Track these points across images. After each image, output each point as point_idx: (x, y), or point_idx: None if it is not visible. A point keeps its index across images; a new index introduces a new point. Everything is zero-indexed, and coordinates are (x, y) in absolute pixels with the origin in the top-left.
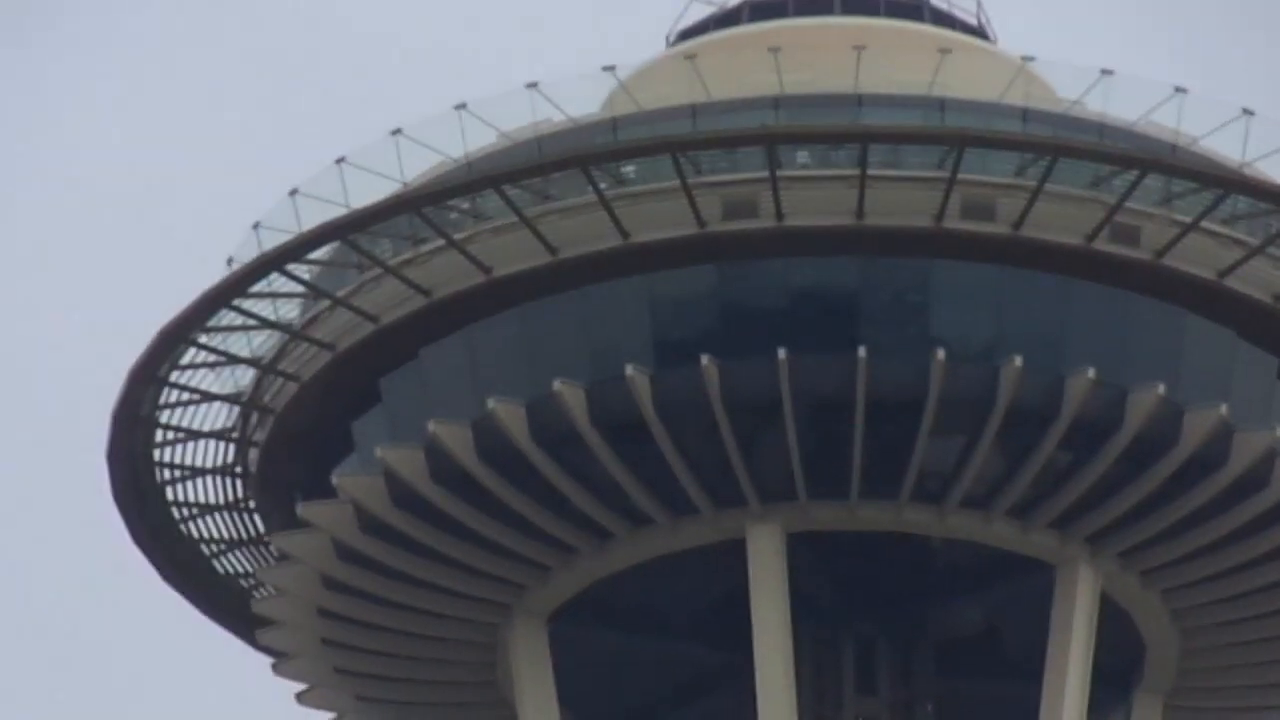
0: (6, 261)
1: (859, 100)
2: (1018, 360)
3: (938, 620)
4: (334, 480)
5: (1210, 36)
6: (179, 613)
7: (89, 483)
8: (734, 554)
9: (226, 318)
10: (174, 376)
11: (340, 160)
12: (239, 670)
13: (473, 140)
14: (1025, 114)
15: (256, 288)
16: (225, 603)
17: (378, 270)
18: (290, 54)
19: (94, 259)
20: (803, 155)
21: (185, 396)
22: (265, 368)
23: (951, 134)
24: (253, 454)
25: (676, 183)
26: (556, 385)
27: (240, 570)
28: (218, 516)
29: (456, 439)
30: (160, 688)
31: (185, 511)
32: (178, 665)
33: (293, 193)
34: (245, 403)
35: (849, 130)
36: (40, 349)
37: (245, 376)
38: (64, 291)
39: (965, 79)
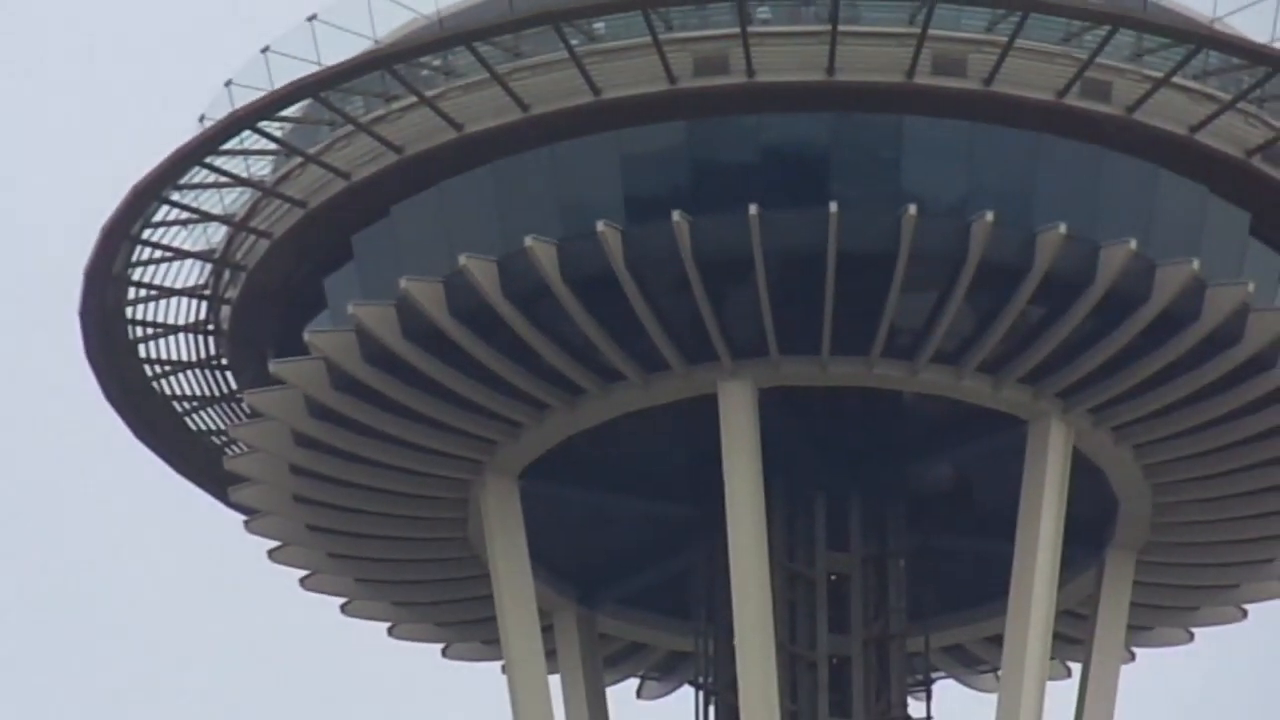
0: None
1: None
2: (989, 215)
3: (910, 476)
4: (306, 337)
5: None
6: (151, 470)
7: (61, 340)
8: (705, 410)
9: (199, 175)
10: (146, 234)
11: (311, 18)
12: (211, 528)
13: (441, 1)
14: None
15: (229, 145)
16: (197, 460)
17: (349, 127)
18: None
19: (63, 115)
20: (773, 10)
21: (157, 254)
22: (237, 225)
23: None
24: (225, 311)
25: (648, 39)
26: (528, 241)
27: (212, 428)
28: (190, 374)
29: (428, 295)
30: (132, 545)
31: (157, 369)
32: (150, 523)
33: (264, 50)
34: (217, 260)
35: None
36: (10, 205)
37: (217, 234)
38: (34, 148)
39: None
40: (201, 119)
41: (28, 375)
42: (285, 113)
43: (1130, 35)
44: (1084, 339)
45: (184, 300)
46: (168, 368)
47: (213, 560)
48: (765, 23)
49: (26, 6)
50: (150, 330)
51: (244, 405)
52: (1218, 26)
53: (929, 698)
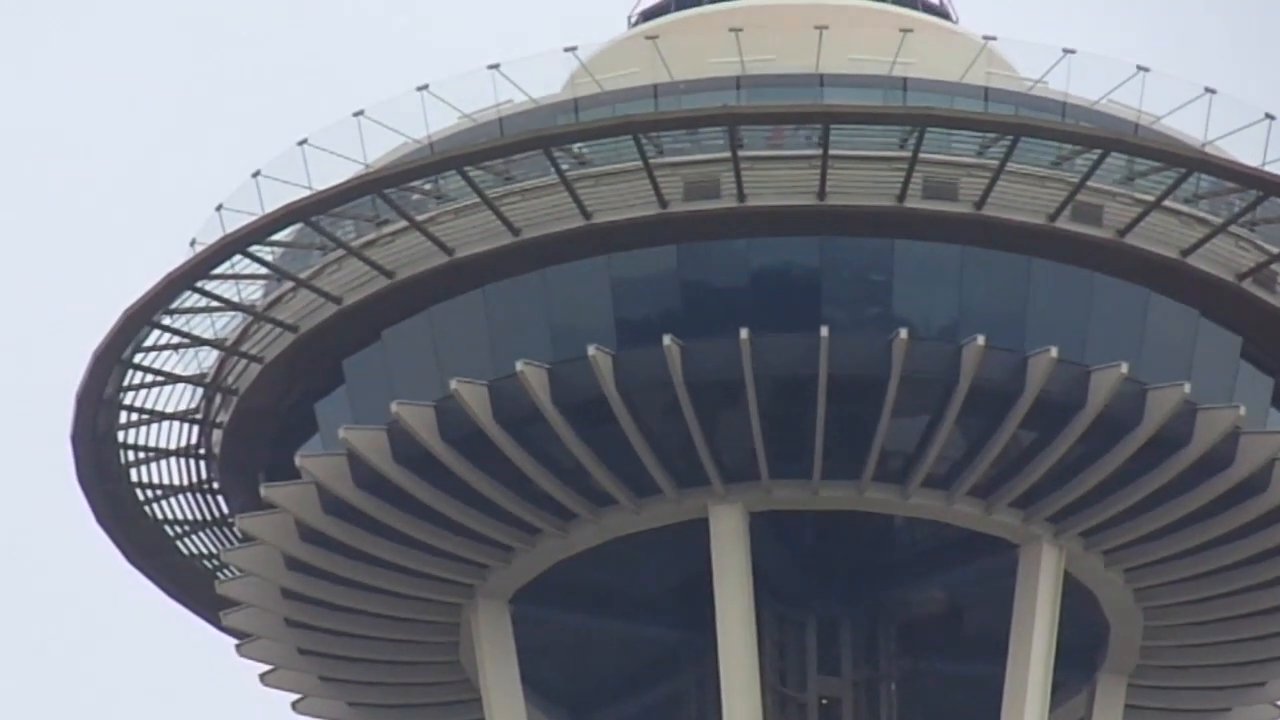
0: None
1: (821, 80)
2: (980, 339)
3: (901, 600)
4: (297, 461)
5: (1174, 15)
6: (144, 595)
7: (54, 465)
8: (697, 534)
9: (190, 299)
10: (137, 358)
11: (302, 142)
12: (204, 652)
13: (435, 122)
14: (987, 93)
15: (219, 269)
16: (190, 584)
17: (340, 252)
18: (251, 34)
19: (57, 241)
20: (763, 135)
21: (149, 378)
22: (228, 349)
23: (913, 114)
24: (216, 435)
25: (638, 163)
26: (519, 365)
27: (204, 552)
28: (182, 498)
29: (419, 420)
30: (125, 671)
31: (149, 493)
32: (143, 648)
33: (255, 174)
34: (208, 384)
35: (810, 110)
36: (2, 331)
37: (209, 358)
38: (27, 274)
39: (927, 59)
40: (193, 243)
41: (20, 499)
42: (276, 237)
43: (1122, 159)
44: (1075, 463)
45: (175, 424)
46: (159, 491)
47: (206, 684)
48: (756, 147)
49: (18, 123)
50: (142, 454)
51: (236, 529)
52: (1209, 150)
53: None
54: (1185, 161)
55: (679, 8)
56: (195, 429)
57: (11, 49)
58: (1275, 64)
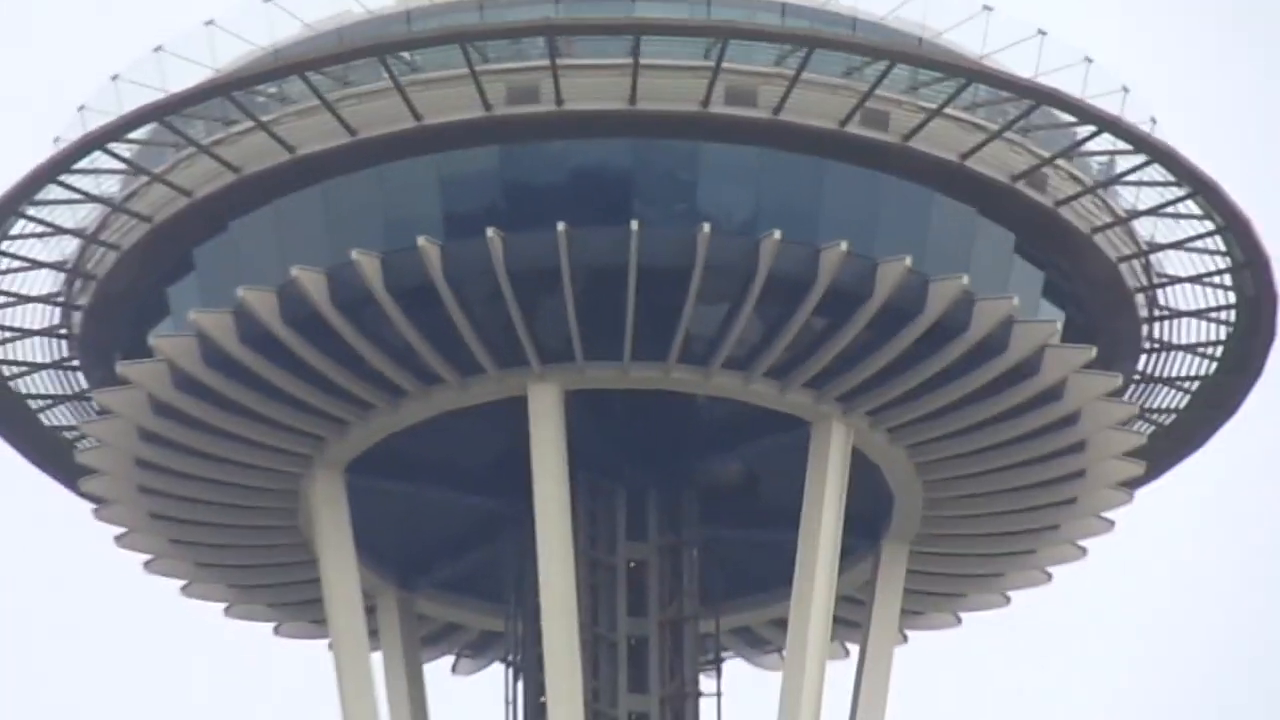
0: None
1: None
2: (777, 233)
3: (702, 472)
4: (150, 341)
5: None
6: (9, 463)
7: None
8: (516, 410)
9: (53, 192)
10: (4, 245)
11: (158, 49)
12: (63, 517)
13: (280, 31)
14: (784, 9)
15: (81, 164)
16: (51, 454)
17: (192, 149)
18: None
19: None
20: (580, 45)
21: (15, 264)
22: (88, 238)
23: (716, 26)
24: (76, 317)
25: (465, 70)
26: (355, 254)
27: (65, 424)
28: (44, 374)
29: (263, 303)
30: None
31: (13, 369)
32: (7, 513)
33: (114, 78)
34: (70, 270)
35: (623, 24)
36: None
37: (70, 246)
38: None
39: None
40: (56, 140)
41: None
42: (133, 135)
43: (907, 70)
44: (863, 347)
45: (39, 306)
46: (23, 368)
47: (65, 549)
48: (573, 56)
49: None
50: (7, 334)
51: (94, 404)
52: (986, 62)
53: (719, 675)
54: (964, 72)
55: None
56: (57, 311)
57: None
58: None
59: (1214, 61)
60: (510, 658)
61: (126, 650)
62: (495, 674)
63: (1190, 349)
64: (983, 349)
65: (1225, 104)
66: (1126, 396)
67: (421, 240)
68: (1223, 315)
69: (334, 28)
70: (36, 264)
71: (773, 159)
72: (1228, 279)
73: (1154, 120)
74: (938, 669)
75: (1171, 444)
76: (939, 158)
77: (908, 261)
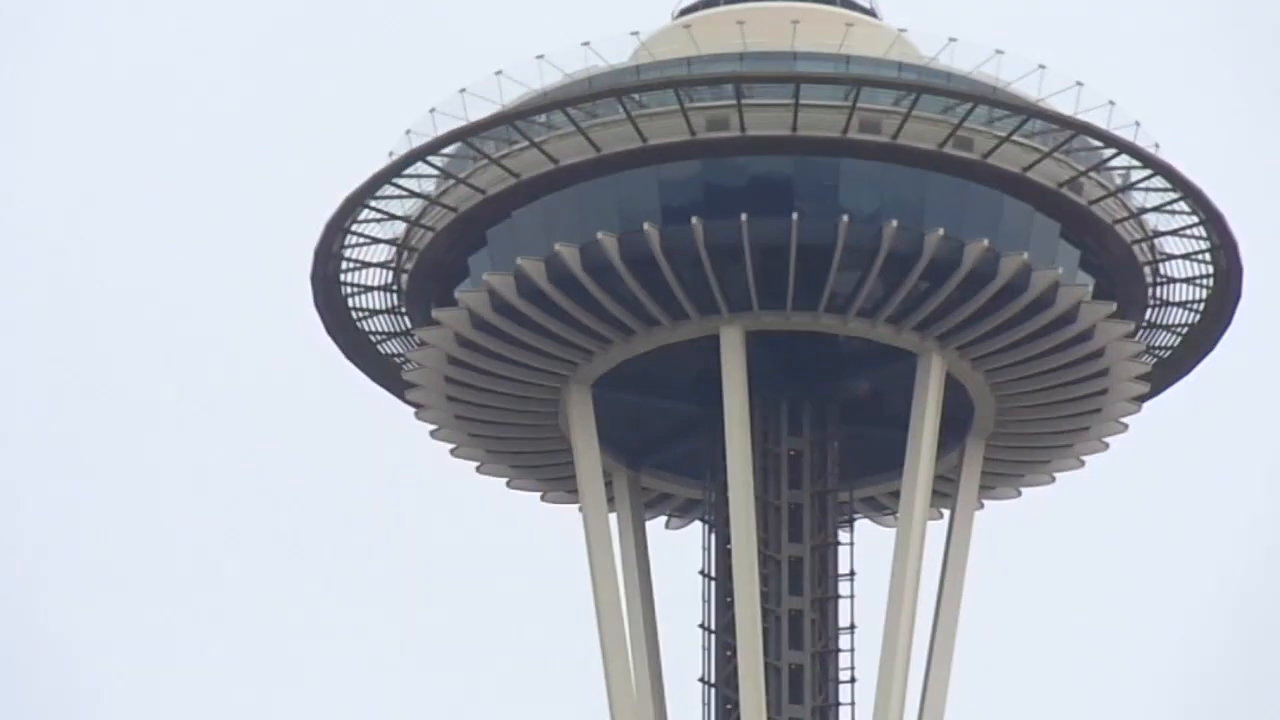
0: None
1: (794, 56)
2: (894, 222)
3: (841, 389)
4: (456, 295)
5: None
6: (355, 381)
7: (297, 298)
8: (712, 345)
9: (388, 190)
10: (355, 227)
11: (462, 90)
12: (395, 420)
13: (548, 78)
14: (899, 66)
15: (408, 171)
16: (385, 374)
17: (485, 161)
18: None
19: (296, 149)
20: (756, 91)
21: (361, 240)
22: (412, 222)
23: (853, 77)
24: (404, 278)
25: (677, 107)
26: (599, 235)
27: (395, 352)
28: (382, 317)
29: (534, 269)
30: (339, 437)
31: (360, 313)
32: (352, 418)
33: (431, 110)
34: (399, 244)
35: (787, 75)
36: (268, 205)
37: (399, 227)
38: (284, 170)
39: (861, 43)
40: (390, 153)
41: (276, 323)
42: (446, 150)
43: (985, 109)
44: (954, 302)
45: (377, 270)
46: (367, 313)
47: (393, 440)
48: (753, 97)
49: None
50: (355, 289)
51: (416, 338)
52: (1041, 104)
53: (852, 530)
54: (1025, 111)
55: (704, 7)
56: (390, 272)
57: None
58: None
59: (1199, 83)
60: (706, 518)
61: (435, 516)
62: (695, 530)
63: (1182, 305)
64: (1037, 304)
65: (1209, 119)
66: (1136, 337)
67: (646, 225)
68: (1204, 281)
69: (585, 76)
70: (376, 240)
71: (892, 170)
72: (1207, 256)
73: (1138, 125)
74: (1005, 529)
75: (1169, 372)
76: (1007, 170)
77: (985, 243)
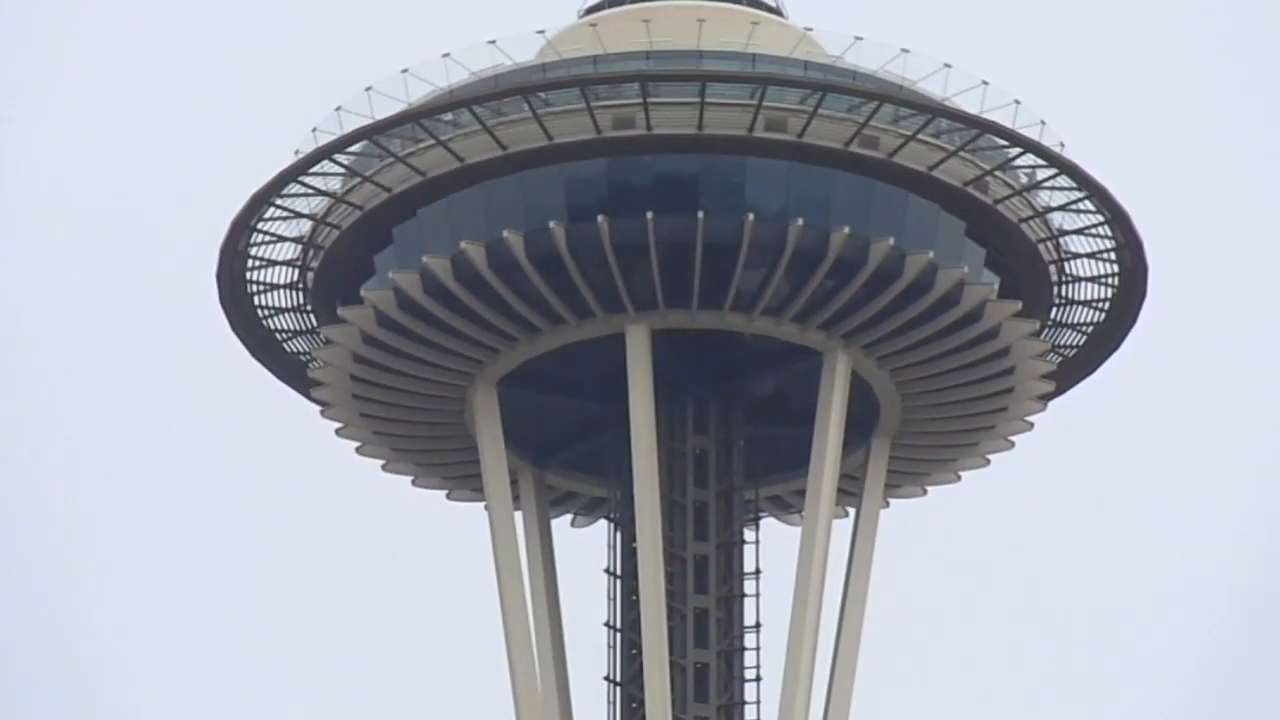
0: (137, 135)
1: (700, 55)
2: (800, 221)
3: (747, 387)
4: (361, 293)
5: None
6: (259, 379)
7: (201, 296)
8: (618, 343)
9: (294, 189)
10: (261, 225)
11: (368, 89)
12: (300, 417)
13: (454, 76)
14: (805, 65)
15: (314, 169)
16: (291, 372)
17: (391, 159)
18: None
19: (205, 146)
20: (664, 89)
21: (266, 239)
22: (318, 220)
23: (758, 76)
24: (310, 275)
25: (583, 105)
26: (505, 233)
27: (301, 350)
28: (287, 315)
29: (441, 267)
30: (246, 431)
31: (266, 311)
32: (256, 415)
33: (337, 109)
34: (305, 242)
35: (693, 73)
36: (171, 207)
37: (305, 225)
38: (190, 170)
39: (767, 41)
40: (296, 151)
41: (179, 320)
42: (352, 149)
43: (891, 107)
44: (859, 300)
45: (284, 268)
46: (272, 311)
47: (297, 439)
48: (659, 96)
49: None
50: (261, 287)
51: (321, 336)
52: (947, 103)
53: (757, 529)
54: (930, 109)
55: (610, 6)
56: (296, 271)
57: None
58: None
59: (1104, 82)
60: (612, 516)
61: (338, 511)
62: (600, 528)
63: (1087, 304)
64: (942, 302)
65: (1114, 118)
66: (1042, 336)
67: (552, 223)
68: (1109, 280)
69: (491, 75)
70: (282, 238)
71: (797, 169)
72: (1112, 255)
73: (1043, 124)
74: (911, 527)
75: (1074, 370)
76: (913, 169)
77: (891, 241)
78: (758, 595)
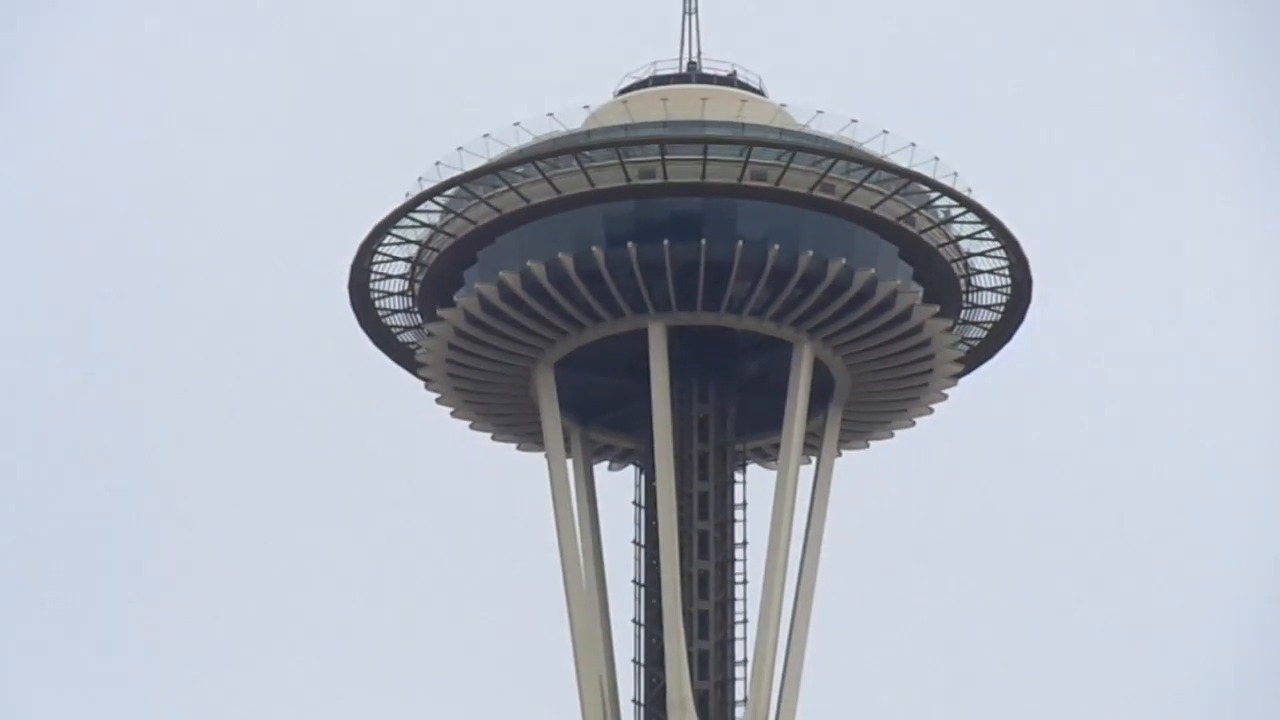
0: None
1: (703, 124)
2: (776, 246)
3: (737, 368)
4: (455, 299)
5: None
6: (382, 365)
7: (334, 302)
8: (642, 337)
9: (406, 222)
10: (381, 249)
11: (459, 149)
12: (410, 391)
13: (521, 140)
14: (780, 131)
15: (422, 207)
16: (403, 358)
17: (476, 200)
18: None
19: (330, 181)
20: (675, 150)
21: (385, 257)
22: (423, 245)
23: (745, 140)
24: (417, 286)
25: (617, 161)
26: (559, 255)
27: (411, 341)
28: (400, 315)
29: (513, 280)
30: (368, 404)
31: (384, 313)
32: (380, 394)
33: (437, 163)
34: (413, 261)
35: (697, 138)
36: (310, 237)
37: (414, 249)
38: (320, 207)
39: (752, 114)
40: (406, 194)
41: (317, 323)
42: (447, 192)
43: (843, 163)
44: (820, 305)
45: (397, 280)
46: (388, 312)
47: (408, 407)
48: (674, 154)
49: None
50: (379, 295)
51: (426, 330)
52: (885, 159)
53: (744, 471)
54: (872, 164)
55: (637, 88)
56: (406, 283)
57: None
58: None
59: (998, 137)
60: (637, 462)
61: (435, 459)
62: (629, 472)
63: (987, 307)
64: (880, 306)
65: (1007, 165)
66: (953, 331)
67: (594, 248)
68: (1004, 289)
69: (550, 138)
70: (395, 258)
71: (775, 208)
72: (1006, 271)
73: (956, 174)
74: (858, 472)
75: (977, 356)
76: (859, 208)
77: (843, 261)
78: (745, 521)
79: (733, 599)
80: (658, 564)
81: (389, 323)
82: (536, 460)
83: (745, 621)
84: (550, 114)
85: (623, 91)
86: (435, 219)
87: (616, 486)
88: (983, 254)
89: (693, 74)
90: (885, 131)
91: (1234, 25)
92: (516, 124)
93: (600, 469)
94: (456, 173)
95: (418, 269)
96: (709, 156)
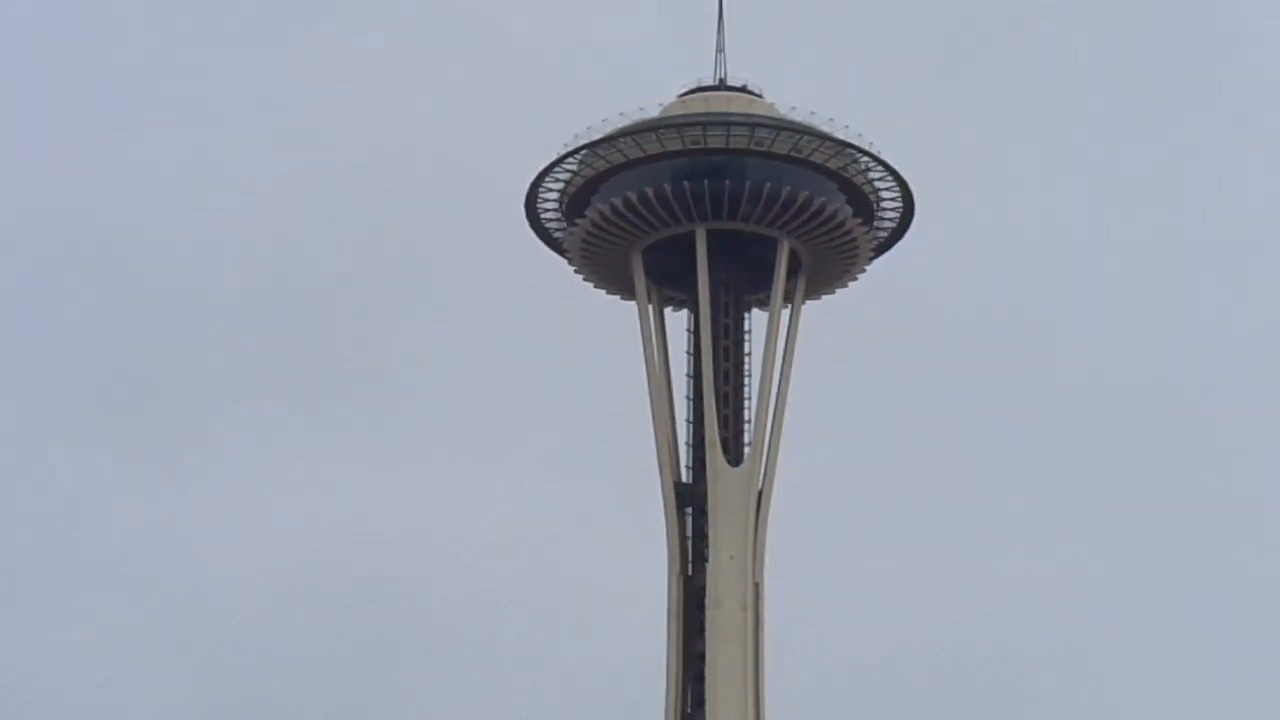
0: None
1: (728, 114)
2: (768, 184)
3: (748, 253)
4: (585, 213)
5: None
6: (540, 250)
7: (514, 222)
8: (692, 237)
9: (559, 170)
10: (544, 183)
11: (588, 127)
12: (558, 268)
13: (624, 121)
14: (772, 119)
15: (568, 161)
16: (556, 246)
17: (599, 157)
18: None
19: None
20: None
21: (547, 190)
22: (568, 182)
23: (751, 122)
24: (564, 202)
25: (678, 135)
26: (646, 188)
27: (560, 237)
28: (553, 222)
29: (620, 201)
30: (533, 277)
31: (546, 220)
32: (540, 268)
33: (575, 136)
34: (562, 191)
35: (723, 120)
36: (500, 178)
37: (561, 184)
38: (506, 162)
39: (756, 109)
40: (560, 150)
41: (502, 230)
42: (582, 150)
43: (810, 136)
44: (793, 217)
45: (553, 201)
46: (550, 219)
47: (558, 278)
48: (710, 131)
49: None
50: (543, 209)
51: (569, 231)
52: (833, 133)
53: (750, 313)
54: (830, 139)
55: (690, 94)
56: (559, 202)
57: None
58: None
59: (907, 113)
60: (690, 307)
61: (572, 311)
62: (683, 314)
63: (887, 218)
64: (828, 218)
65: (911, 133)
66: (870, 233)
67: (666, 185)
68: (897, 208)
69: (640, 121)
70: (551, 189)
71: (768, 163)
72: (899, 198)
73: (872, 143)
74: (819, 316)
75: (884, 247)
76: (816, 162)
77: (806, 192)
78: (750, 341)
79: (743, 384)
80: (700, 364)
81: (549, 227)
82: (630, 307)
83: (750, 398)
84: (641, 108)
85: (682, 94)
86: (575, 166)
87: (677, 325)
88: (885, 187)
89: (721, 85)
90: (831, 119)
91: None
92: (621, 114)
93: (667, 313)
94: (589, 139)
95: (565, 197)
96: (731, 133)
